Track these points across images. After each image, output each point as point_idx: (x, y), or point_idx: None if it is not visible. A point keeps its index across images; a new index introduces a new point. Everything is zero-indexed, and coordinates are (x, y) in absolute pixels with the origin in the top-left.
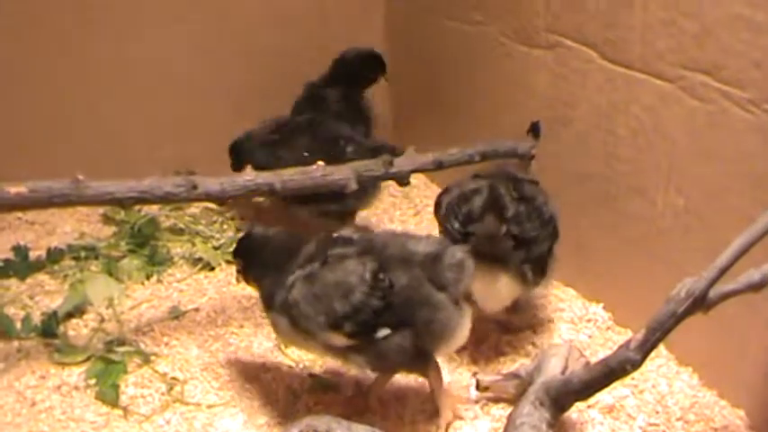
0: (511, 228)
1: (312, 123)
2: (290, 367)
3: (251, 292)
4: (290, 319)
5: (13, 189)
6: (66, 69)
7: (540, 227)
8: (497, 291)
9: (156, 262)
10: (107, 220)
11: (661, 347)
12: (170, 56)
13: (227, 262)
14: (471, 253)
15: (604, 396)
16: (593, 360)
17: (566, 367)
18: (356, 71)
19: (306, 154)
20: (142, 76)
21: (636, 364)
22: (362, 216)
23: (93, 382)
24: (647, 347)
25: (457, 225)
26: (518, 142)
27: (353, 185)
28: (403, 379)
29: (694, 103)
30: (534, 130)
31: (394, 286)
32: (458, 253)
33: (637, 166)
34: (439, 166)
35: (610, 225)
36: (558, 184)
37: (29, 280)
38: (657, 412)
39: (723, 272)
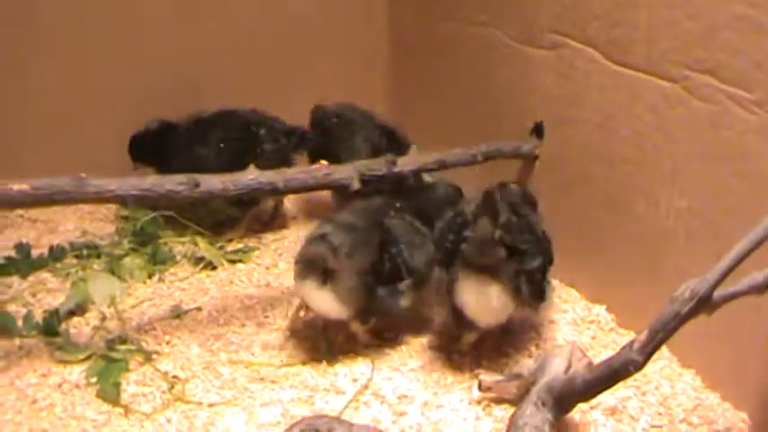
0: (503, 236)
1: (222, 114)
2: (291, 365)
3: (253, 291)
4: None
5: (16, 186)
6: (68, 68)
7: (531, 241)
8: (489, 302)
9: (159, 261)
10: (117, 218)
11: (664, 349)
12: (173, 56)
13: (230, 261)
14: (463, 264)
15: (607, 397)
16: (596, 361)
17: (569, 368)
18: None
19: (221, 145)
20: (145, 76)
21: (639, 366)
22: None
23: (94, 380)
24: (650, 349)
25: (452, 236)
26: (521, 143)
27: (356, 185)
28: None
29: (698, 104)
30: (537, 130)
31: None
32: None
33: (640, 167)
34: (442, 165)
35: (613, 226)
36: (560, 184)
37: (31, 278)
38: (660, 414)
39: (727, 273)
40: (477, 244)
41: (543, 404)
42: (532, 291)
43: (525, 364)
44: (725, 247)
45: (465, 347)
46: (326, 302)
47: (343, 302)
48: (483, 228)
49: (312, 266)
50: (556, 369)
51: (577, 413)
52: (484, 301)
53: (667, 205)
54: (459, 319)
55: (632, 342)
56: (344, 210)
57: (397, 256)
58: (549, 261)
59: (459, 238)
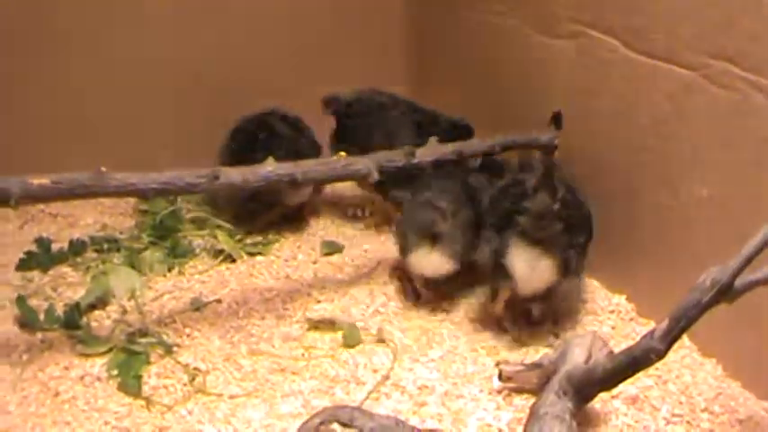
0: (561, 210)
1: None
2: (312, 357)
3: (273, 283)
4: None
5: (36, 181)
6: (88, 64)
7: (581, 217)
8: (539, 273)
9: (178, 254)
10: (137, 212)
11: (684, 338)
12: (191, 51)
13: (249, 254)
14: (518, 233)
15: (628, 387)
16: (617, 351)
17: (589, 357)
18: None
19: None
20: (160, 74)
21: (660, 354)
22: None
23: (115, 372)
24: (671, 337)
25: (507, 203)
26: (540, 133)
27: (375, 176)
28: None
29: (718, 92)
30: (556, 120)
31: None
32: None
33: (660, 155)
34: (460, 156)
35: (633, 216)
36: (580, 174)
37: (51, 272)
38: (681, 403)
39: (748, 261)
40: (535, 216)
41: (564, 393)
42: (578, 264)
43: (546, 354)
44: (746, 235)
45: (498, 310)
46: (438, 263)
47: (451, 259)
48: (543, 201)
49: (424, 234)
50: (576, 358)
51: (598, 402)
52: (534, 271)
53: (688, 194)
54: (503, 282)
55: (653, 331)
56: (430, 177)
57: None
58: (590, 236)
59: (515, 206)
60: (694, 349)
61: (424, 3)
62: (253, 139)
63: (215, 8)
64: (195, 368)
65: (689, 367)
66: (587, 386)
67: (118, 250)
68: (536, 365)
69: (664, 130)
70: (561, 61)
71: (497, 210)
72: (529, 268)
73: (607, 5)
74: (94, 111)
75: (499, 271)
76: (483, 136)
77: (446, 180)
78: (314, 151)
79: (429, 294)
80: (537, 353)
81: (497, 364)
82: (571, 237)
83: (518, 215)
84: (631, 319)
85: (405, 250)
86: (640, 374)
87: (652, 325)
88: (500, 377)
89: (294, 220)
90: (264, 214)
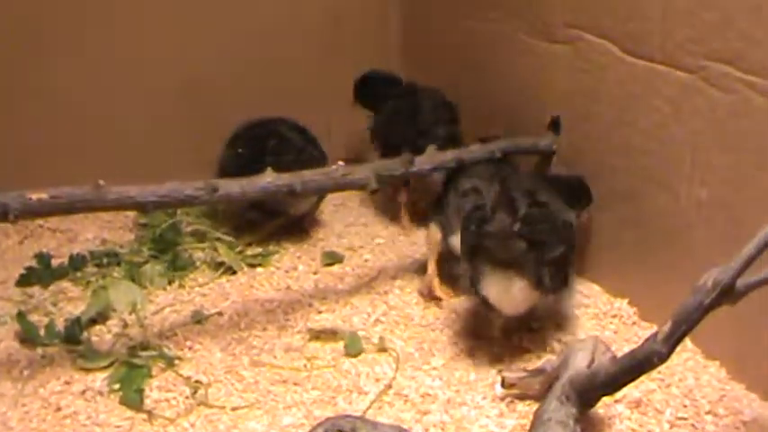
0: (522, 228)
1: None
2: (314, 367)
3: (274, 295)
4: None
5: (35, 195)
6: (84, 76)
7: (551, 230)
8: (513, 295)
9: (179, 267)
10: (136, 226)
11: (687, 341)
12: (189, 64)
13: (249, 266)
14: (486, 258)
15: (631, 391)
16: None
17: (592, 361)
18: None
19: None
20: (160, 87)
21: (663, 357)
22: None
23: (117, 386)
24: (674, 340)
25: (473, 228)
26: (539, 138)
27: (374, 185)
28: None
29: (716, 94)
30: (554, 125)
31: None
32: None
33: (659, 159)
34: (459, 163)
35: (633, 219)
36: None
37: (52, 287)
38: (685, 406)
39: (750, 262)
40: (496, 239)
41: (567, 399)
42: (555, 280)
43: (548, 360)
44: (747, 237)
45: (497, 333)
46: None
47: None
48: (501, 222)
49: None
50: (579, 363)
51: (602, 407)
52: (508, 293)
53: (688, 197)
54: (488, 307)
55: (656, 333)
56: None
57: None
58: (570, 248)
59: (480, 231)
60: (697, 352)
61: (419, 10)
62: (262, 147)
63: (211, 15)
64: (197, 381)
65: (692, 370)
66: (590, 391)
67: (118, 264)
68: (538, 371)
69: (663, 134)
70: (558, 66)
71: (465, 237)
72: (503, 293)
73: (603, 10)
74: (92, 123)
75: (483, 300)
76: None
77: None
78: (323, 161)
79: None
80: (539, 359)
81: (500, 371)
82: (542, 252)
83: (483, 240)
84: (633, 323)
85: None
86: (643, 378)
87: (654, 328)
88: (503, 384)
89: (294, 230)
90: (266, 224)
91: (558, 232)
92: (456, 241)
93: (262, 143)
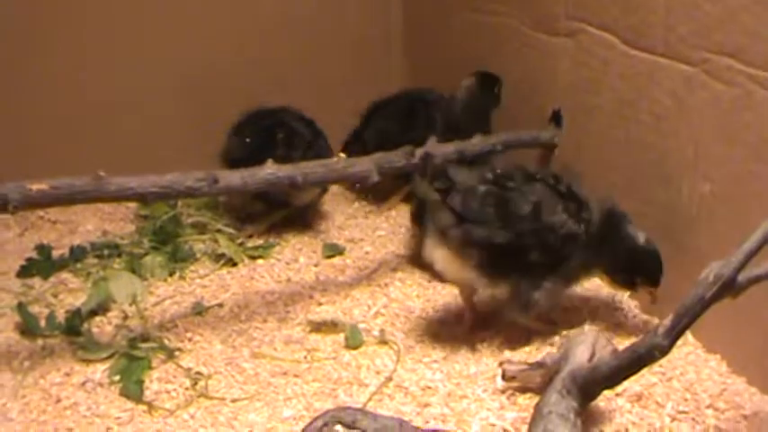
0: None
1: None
2: (314, 359)
3: (274, 286)
4: None
5: (35, 186)
6: (84, 67)
7: (500, 215)
8: (436, 259)
9: (179, 258)
10: (137, 217)
11: (688, 335)
12: (190, 56)
13: (250, 257)
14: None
15: (632, 384)
16: (621, 348)
17: (593, 355)
18: None
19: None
20: (161, 79)
21: (664, 350)
22: None
23: (117, 378)
24: (675, 333)
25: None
26: (540, 131)
27: (375, 177)
28: None
29: (720, 87)
30: (556, 118)
31: None
32: None
33: (661, 152)
34: (461, 155)
35: (635, 213)
36: (581, 172)
37: (52, 278)
38: (686, 400)
39: (751, 256)
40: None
41: (568, 392)
42: (488, 267)
43: (548, 353)
44: (748, 230)
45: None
46: None
47: None
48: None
49: None
50: (580, 357)
51: (602, 400)
52: (433, 255)
53: (690, 191)
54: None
55: (657, 327)
56: None
57: None
58: (542, 250)
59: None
60: (698, 345)
61: (421, 3)
62: (271, 136)
63: (212, 9)
64: (197, 372)
65: (693, 364)
66: (591, 384)
67: (119, 256)
68: (539, 364)
69: (665, 127)
70: (560, 59)
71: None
72: (430, 253)
73: (605, 2)
74: (92, 115)
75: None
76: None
77: None
78: (329, 153)
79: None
80: (540, 352)
81: (500, 364)
82: (470, 231)
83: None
84: (635, 316)
85: None
86: (644, 372)
87: (656, 322)
88: (503, 377)
89: (296, 222)
90: (268, 215)
91: (511, 219)
92: None
93: (270, 133)
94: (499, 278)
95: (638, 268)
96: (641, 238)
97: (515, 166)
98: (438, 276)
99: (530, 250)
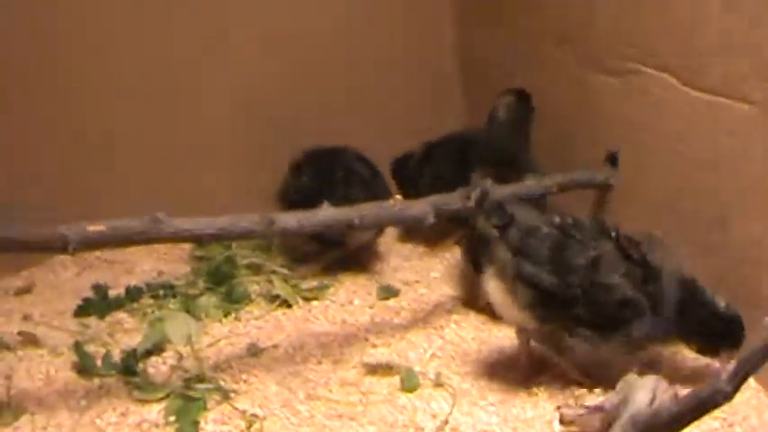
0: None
1: None
2: (370, 402)
3: (329, 328)
4: None
5: (93, 228)
6: (141, 111)
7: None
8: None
9: (234, 300)
10: (192, 258)
11: (750, 380)
12: (244, 95)
13: (305, 299)
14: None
15: (693, 431)
16: (680, 393)
17: (653, 400)
18: None
19: None
20: (214, 114)
21: (728, 396)
22: None
23: (172, 419)
24: (739, 378)
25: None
26: (595, 172)
27: (431, 219)
28: None
29: None
30: (612, 159)
31: None
32: None
33: (721, 194)
34: (515, 197)
35: (693, 255)
36: (638, 214)
37: (108, 318)
38: None
39: None
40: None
41: None
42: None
43: (607, 397)
44: None
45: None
46: None
47: None
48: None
49: None
50: (640, 401)
51: None
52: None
53: (744, 232)
54: None
55: (720, 372)
56: None
57: None
58: (587, 306)
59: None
60: (761, 390)
61: (476, 39)
62: (329, 177)
63: (266, 43)
64: (253, 414)
65: (755, 409)
66: (652, 430)
67: (174, 296)
68: (598, 408)
69: (724, 167)
70: (617, 99)
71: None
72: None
73: (663, 42)
74: (148, 156)
75: None
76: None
77: None
78: (387, 194)
79: None
80: (598, 395)
81: (558, 408)
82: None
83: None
84: (694, 359)
85: None
86: (705, 418)
87: (715, 365)
88: (561, 421)
89: (350, 264)
90: (323, 256)
91: (562, 267)
92: None
93: (328, 173)
94: (546, 323)
95: (722, 336)
96: (722, 303)
97: (594, 219)
98: (494, 319)
99: (575, 304)
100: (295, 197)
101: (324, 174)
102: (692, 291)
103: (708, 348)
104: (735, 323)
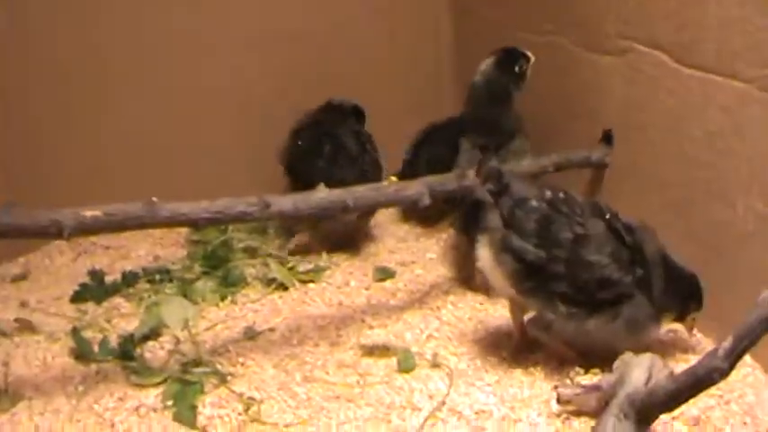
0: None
1: None
2: (367, 383)
3: (326, 310)
4: None
5: (89, 213)
6: (137, 95)
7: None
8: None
9: (230, 283)
10: (188, 242)
11: (747, 357)
12: (241, 82)
13: (301, 282)
14: None
15: (689, 408)
16: (676, 369)
17: (649, 378)
18: None
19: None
20: (213, 102)
21: (724, 373)
22: None
23: (170, 403)
24: (735, 355)
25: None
26: (591, 151)
27: (426, 200)
28: None
29: None
30: (607, 138)
31: None
32: None
33: (715, 170)
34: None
35: (689, 232)
36: (634, 191)
37: (105, 303)
38: (746, 423)
39: None
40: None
41: (625, 416)
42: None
43: (604, 376)
44: None
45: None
46: None
47: None
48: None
49: None
50: (636, 380)
51: (659, 424)
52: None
53: (744, 208)
54: None
55: (717, 349)
56: None
57: None
58: (573, 273)
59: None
60: (757, 368)
61: (473, 24)
62: (318, 147)
63: (265, 37)
64: (250, 397)
65: (752, 386)
66: (649, 408)
67: (170, 281)
68: (594, 388)
69: (718, 144)
70: (611, 77)
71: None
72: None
73: (655, 19)
74: (144, 142)
75: None
76: (534, 156)
77: None
78: (377, 172)
79: None
80: (595, 375)
81: (555, 387)
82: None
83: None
84: (689, 337)
85: None
86: (702, 395)
87: (711, 342)
88: (558, 400)
89: (346, 246)
90: (315, 227)
91: (548, 241)
92: None
93: (320, 142)
94: (528, 294)
95: (690, 295)
96: (680, 262)
97: (591, 200)
98: (490, 299)
99: (558, 279)
100: (285, 162)
101: (315, 141)
102: (668, 263)
103: (681, 314)
104: (696, 280)
